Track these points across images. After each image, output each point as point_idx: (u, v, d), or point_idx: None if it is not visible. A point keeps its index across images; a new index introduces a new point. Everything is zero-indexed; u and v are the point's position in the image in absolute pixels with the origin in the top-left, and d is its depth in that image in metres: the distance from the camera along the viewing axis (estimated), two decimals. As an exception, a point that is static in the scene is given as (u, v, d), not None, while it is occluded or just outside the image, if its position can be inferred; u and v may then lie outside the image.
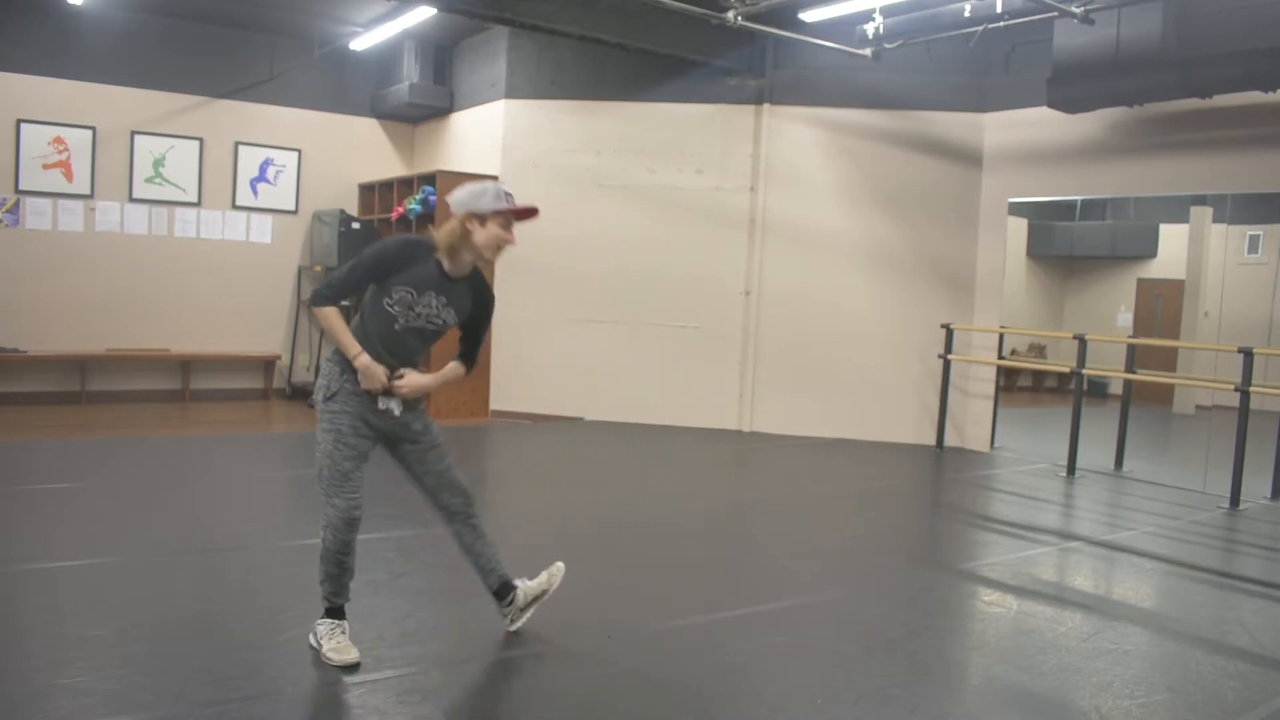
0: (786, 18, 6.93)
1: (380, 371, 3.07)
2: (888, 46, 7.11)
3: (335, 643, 3.08)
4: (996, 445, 7.94)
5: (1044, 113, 7.14)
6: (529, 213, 3.18)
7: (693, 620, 3.67)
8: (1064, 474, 7.03)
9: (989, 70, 7.86)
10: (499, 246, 3.10)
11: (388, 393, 3.10)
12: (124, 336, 8.74)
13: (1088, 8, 6.03)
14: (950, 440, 8.04)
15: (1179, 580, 4.61)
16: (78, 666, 2.97)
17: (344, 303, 3.15)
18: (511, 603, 3.39)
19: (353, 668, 3.02)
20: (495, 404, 8.74)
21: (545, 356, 8.64)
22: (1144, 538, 5.33)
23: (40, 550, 4.19)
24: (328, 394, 3.11)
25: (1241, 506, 6.08)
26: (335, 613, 3.15)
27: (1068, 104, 6.79)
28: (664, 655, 3.32)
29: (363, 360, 3.05)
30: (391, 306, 3.07)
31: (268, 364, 9.45)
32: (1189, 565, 4.83)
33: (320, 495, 3.10)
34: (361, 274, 3.09)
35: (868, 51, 7.26)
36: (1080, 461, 7.05)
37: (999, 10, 6.30)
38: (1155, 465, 7.43)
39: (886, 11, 6.85)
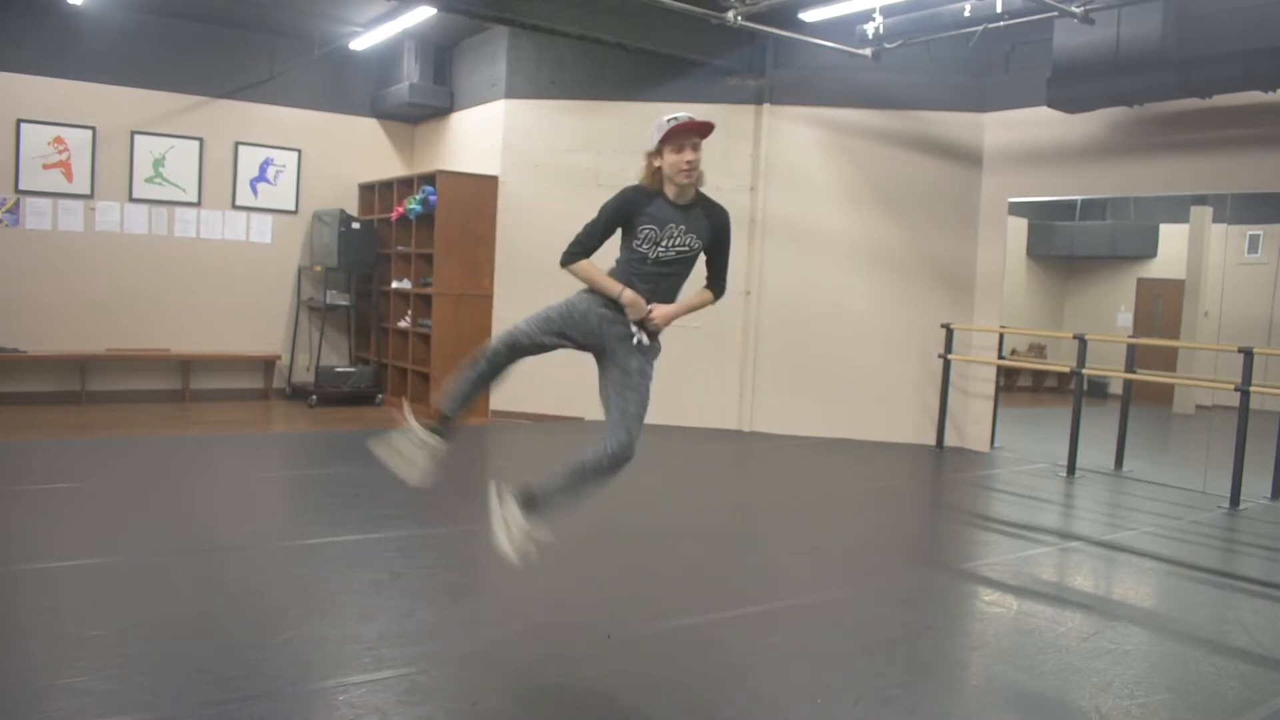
0: (786, 18, 6.93)
1: (644, 304, 3.28)
2: (888, 46, 7.11)
3: (407, 445, 3.32)
4: (996, 445, 7.94)
5: (1044, 113, 7.14)
6: (695, 127, 3.23)
7: (693, 620, 3.67)
8: (1064, 474, 7.02)
9: (989, 70, 7.86)
10: (682, 168, 3.24)
11: (640, 325, 3.32)
12: (124, 336, 8.74)
13: (1088, 8, 6.03)
14: (950, 440, 8.04)
15: (1179, 580, 4.61)
16: (78, 666, 2.97)
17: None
18: (532, 519, 3.30)
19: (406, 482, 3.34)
20: (495, 404, 8.74)
21: (545, 356, 8.61)
22: (1144, 538, 5.33)
23: (40, 550, 4.19)
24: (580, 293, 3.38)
25: (1241, 506, 6.07)
26: (442, 421, 3.37)
27: (1068, 104, 6.79)
28: (664, 655, 3.32)
29: (628, 294, 3.27)
30: (640, 245, 3.29)
31: (268, 364, 9.45)
32: (1189, 565, 4.83)
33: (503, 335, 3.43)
34: (605, 223, 3.31)
35: (868, 51, 7.26)
36: (1080, 461, 7.05)
37: (999, 10, 6.29)
38: (1155, 465, 7.42)
39: (886, 11, 6.84)
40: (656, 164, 3.28)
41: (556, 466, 3.28)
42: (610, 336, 3.33)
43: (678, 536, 5.03)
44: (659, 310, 3.34)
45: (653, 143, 3.27)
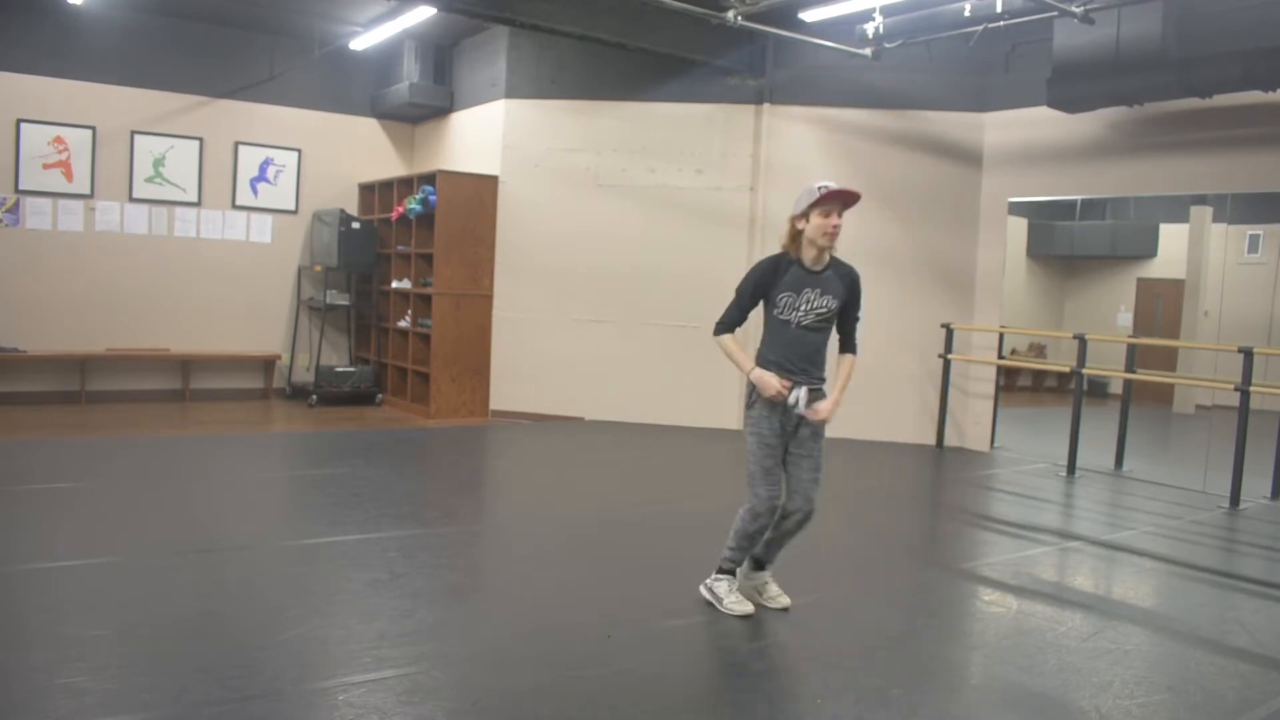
0: (786, 17, 6.93)
1: (772, 379, 3.55)
2: (888, 46, 7.11)
3: (734, 598, 3.75)
4: (996, 445, 7.94)
5: (1044, 113, 7.14)
6: (843, 195, 3.50)
7: (693, 620, 3.67)
8: (1064, 474, 7.03)
9: (989, 70, 7.86)
10: (825, 232, 3.51)
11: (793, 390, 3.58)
12: (124, 336, 8.75)
13: (1088, 8, 6.03)
14: (950, 440, 8.04)
15: (1179, 580, 4.61)
16: (78, 666, 2.97)
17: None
18: (757, 575, 3.85)
19: (747, 618, 3.68)
20: (495, 404, 8.74)
21: (545, 356, 8.64)
22: (1144, 538, 5.33)
23: (40, 550, 4.19)
24: (748, 404, 3.67)
25: (1241, 506, 6.08)
26: (729, 573, 3.79)
27: (1068, 104, 6.79)
28: (664, 655, 3.32)
29: (755, 374, 3.59)
30: (780, 314, 3.58)
31: (268, 364, 9.45)
32: (1189, 565, 4.83)
33: (746, 487, 3.65)
34: (749, 296, 3.62)
35: (868, 51, 7.26)
36: (1080, 461, 7.05)
37: (999, 10, 6.29)
38: (1155, 465, 7.42)
39: (886, 11, 6.84)
40: (800, 226, 3.54)
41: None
42: (790, 421, 3.61)
43: (678, 536, 5.03)
44: (823, 408, 3.61)
45: (799, 207, 3.52)
